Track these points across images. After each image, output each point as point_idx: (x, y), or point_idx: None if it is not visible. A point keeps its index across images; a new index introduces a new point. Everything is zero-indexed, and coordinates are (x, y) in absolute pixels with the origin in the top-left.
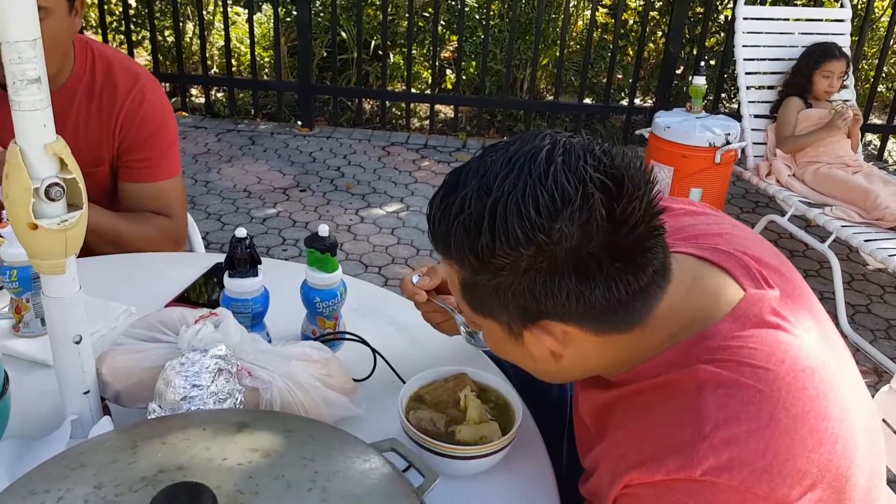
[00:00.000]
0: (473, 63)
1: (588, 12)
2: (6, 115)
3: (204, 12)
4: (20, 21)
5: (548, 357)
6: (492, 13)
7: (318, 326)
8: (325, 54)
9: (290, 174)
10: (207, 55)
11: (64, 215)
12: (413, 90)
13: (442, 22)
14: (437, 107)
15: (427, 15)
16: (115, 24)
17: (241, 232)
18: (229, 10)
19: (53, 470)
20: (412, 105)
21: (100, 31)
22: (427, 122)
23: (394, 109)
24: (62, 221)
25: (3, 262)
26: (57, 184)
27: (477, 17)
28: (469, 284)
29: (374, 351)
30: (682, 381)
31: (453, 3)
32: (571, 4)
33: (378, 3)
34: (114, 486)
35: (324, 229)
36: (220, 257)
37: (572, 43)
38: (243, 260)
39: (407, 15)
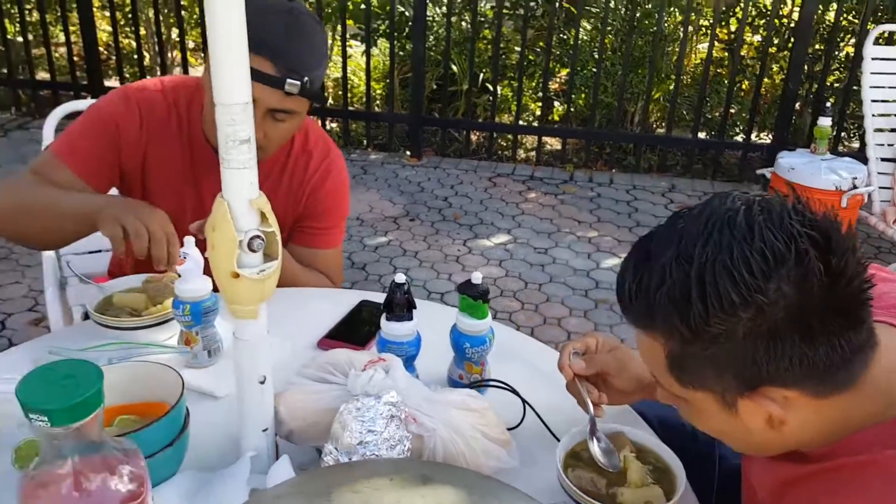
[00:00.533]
0: (583, 95)
1: (703, 46)
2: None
3: None
4: (235, 86)
5: (762, 427)
6: (605, 46)
7: (466, 371)
8: (434, 87)
9: (400, 203)
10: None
11: (262, 266)
12: (521, 122)
13: (553, 54)
14: (544, 138)
15: (538, 49)
16: None
17: (401, 277)
18: (347, 44)
19: None
20: (519, 136)
21: None
22: (533, 153)
23: (500, 140)
24: (260, 271)
25: (178, 297)
26: (258, 236)
27: (588, 49)
28: (678, 357)
29: (524, 402)
30: (888, 463)
31: (564, 36)
32: (687, 38)
33: (490, 37)
34: None
35: (476, 277)
36: (363, 294)
37: (686, 77)
38: (401, 304)
39: (518, 49)
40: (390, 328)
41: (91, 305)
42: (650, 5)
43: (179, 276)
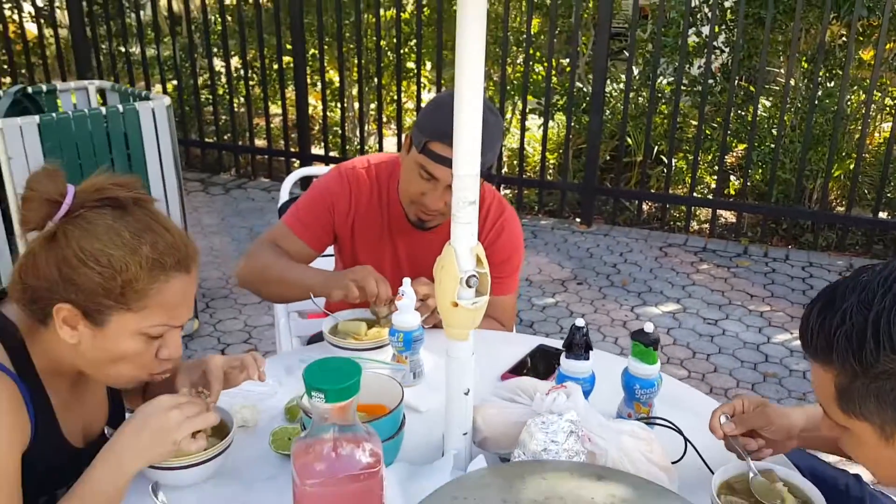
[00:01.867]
0: (760, 171)
1: (886, 125)
2: (417, 245)
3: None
4: (466, 163)
5: None
6: (784, 123)
7: (634, 410)
8: (607, 157)
9: (569, 267)
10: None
11: (475, 299)
12: (695, 194)
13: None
14: (718, 211)
15: (715, 125)
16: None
17: (580, 322)
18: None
19: (464, 486)
20: (693, 208)
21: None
22: (706, 225)
23: (672, 211)
24: (473, 303)
25: (394, 327)
26: (474, 275)
27: (766, 126)
28: (845, 389)
29: (685, 439)
30: None
31: (742, 112)
32: (869, 117)
33: (666, 111)
34: (514, 502)
35: (649, 326)
36: (539, 340)
37: (867, 156)
38: (580, 345)
39: (694, 123)
40: (569, 365)
41: (326, 330)
42: (832, 84)
43: (397, 309)
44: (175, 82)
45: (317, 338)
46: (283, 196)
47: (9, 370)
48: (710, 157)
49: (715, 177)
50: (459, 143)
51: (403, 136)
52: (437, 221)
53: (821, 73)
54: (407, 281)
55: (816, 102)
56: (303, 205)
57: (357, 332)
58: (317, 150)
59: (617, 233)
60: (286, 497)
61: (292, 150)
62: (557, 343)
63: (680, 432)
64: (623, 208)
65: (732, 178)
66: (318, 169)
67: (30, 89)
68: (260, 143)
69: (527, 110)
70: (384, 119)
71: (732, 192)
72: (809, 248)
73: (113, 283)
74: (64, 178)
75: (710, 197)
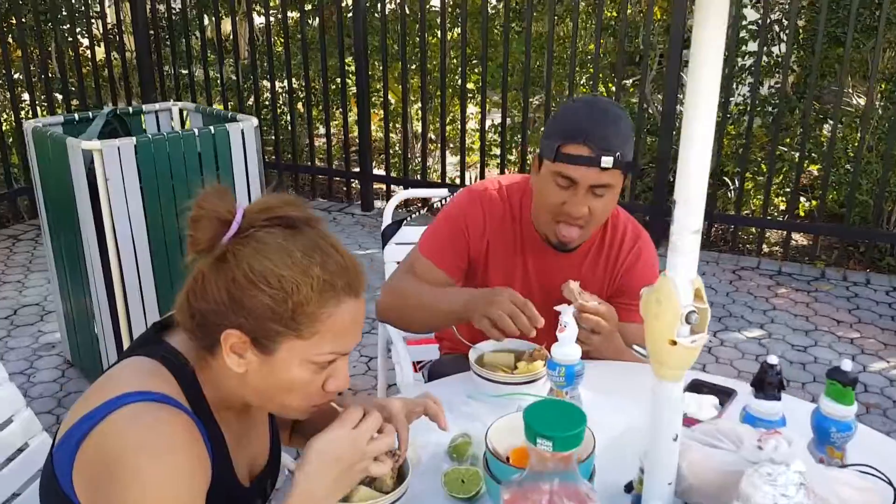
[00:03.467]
0: (834, 193)
1: None
2: (549, 267)
3: None
4: (695, 185)
5: None
6: (862, 144)
7: (827, 455)
8: (670, 179)
9: None
10: None
11: (693, 337)
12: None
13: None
14: (792, 234)
15: (784, 147)
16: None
17: (773, 359)
18: None
19: None
20: (764, 231)
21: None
22: (777, 247)
23: (742, 234)
24: (693, 341)
25: (553, 360)
26: (693, 311)
27: (841, 146)
28: None
29: (895, 488)
30: None
31: (815, 133)
32: None
33: (733, 132)
34: None
35: (847, 364)
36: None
37: None
38: (773, 384)
39: (762, 143)
40: (760, 406)
41: (473, 360)
42: None
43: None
44: (234, 103)
45: (431, 367)
46: (387, 219)
47: (186, 408)
48: (779, 178)
49: (784, 198)
50: (687, 166)
51: (466, 156)
52: (579, 241)
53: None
54: (568, 310)
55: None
56: (437, 232)
57: (507, 365)
58: (379, 170)
59: None
60: None
61: (353, 170)
62: (709, 376)
63: (890, 483)
64: None
65: (803, 199)
66: (419, 192)
67: (118, 111)
68: (319, 163)
69: None
70: (446, 138)
71: (802, 214)
72: (891, 271)
73: (284, 305)
74: (233, 198)
75: (780, 219)
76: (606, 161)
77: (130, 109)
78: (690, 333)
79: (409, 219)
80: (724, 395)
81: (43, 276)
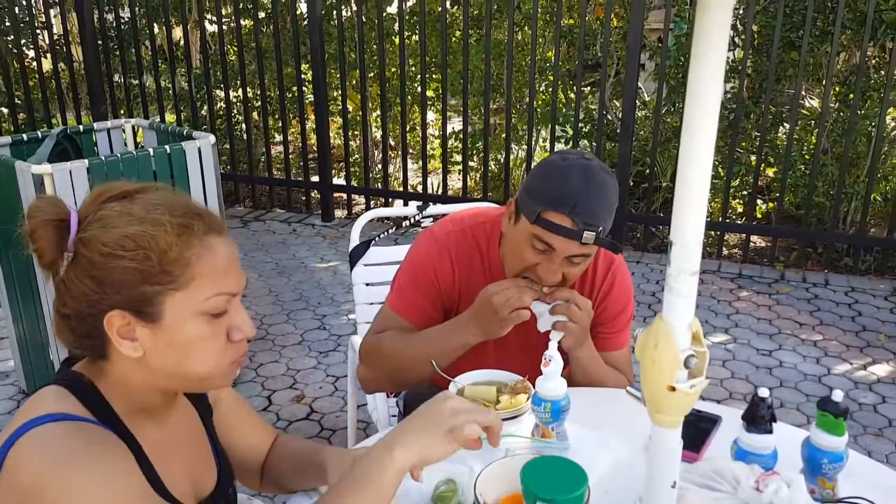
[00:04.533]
0: (791, 195)
1: None
2: None
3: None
4: (691, 229)
5: None
6: (819, 146)
7: (818, 486)
8: (631, 183)
9: None
10: None
11: (692, 381)
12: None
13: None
14: (749, 236)
15: (741, 150)
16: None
17: (764, 392)
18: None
19: None
20: (723, 234)
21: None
22: (736, 250)
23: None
24: (691, 386)
25: (539, 395)
26: (692, 355)
27: (797, 149)
28: None
29: None
30: None
31: (770, 136)
32: None
33: None
34: None
35: (838, 395)
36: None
37: None
38: (764, 418)
39: (721, 147)
40: (751, 440)
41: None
42: (867, 105)
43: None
44: (187, 113)
45: (406, 396)
46: (354, 240)
47: (92, 420)
48: (736, 182)
49: (742, 201)
50: (684, 207)
51: (428, 163)
52: None
53: (850, 96)
54: (553, 345)
55: (854, 124)
56: (405, 286)
57: (489, 400)
58: (338, 179)
59: (648, 259)
60: None
61: (313, 179)
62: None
63: None
64: (652, 235)
65: (760, 202)
66: (384, 211)
67: (68, 131)
68: (276, 174)
69: (554, 137)
70: (407, 146)
71: (760, 216)
72: (848, 272)
73: (149, 262)
74: (63, 203)
75: (739, 222)
76: (588, 237)
77: (81, 128)
78: (689, 378)
79: (376, 239)
80: (710, 422)
81: None
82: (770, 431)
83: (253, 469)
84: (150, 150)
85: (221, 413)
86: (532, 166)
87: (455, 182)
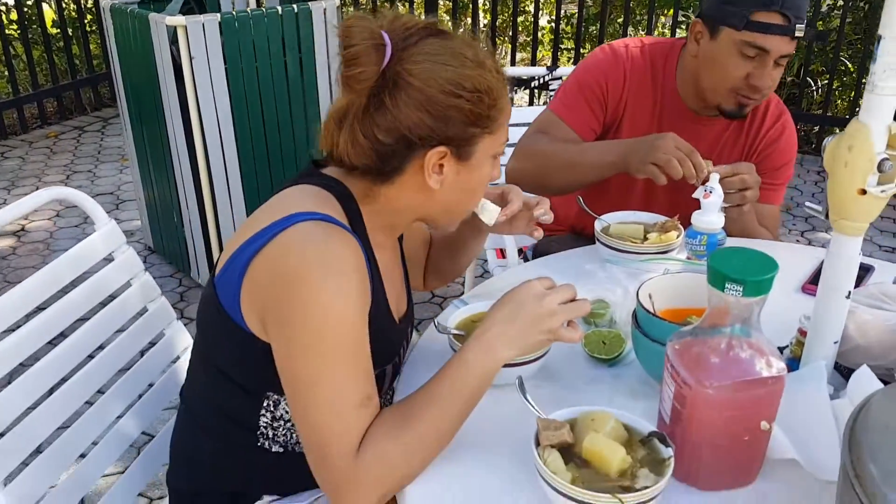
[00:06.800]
0: None
1: None
2: (688, 135)
3: None
4: None
5: None
6: None
7: None
8: None
9: None
10: None
11: (882, 186)
12: None
13: None
14: None
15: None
16: None
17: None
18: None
19: None
20: None
21: None
22: None
23: (825, 135)
24: (882, 191)
25: (695, 228)
26: (887, 159)
27: None
28: None
29: None
30: None
31: None
32: None
33: (822, 28)
34: None
35: None
36: (821, 252)
37: None
38: None
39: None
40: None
41: (599, 229)
42: None
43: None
44: None
45: (536, 248)
46: None
47: (351, 231)
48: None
49: None
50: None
51: (537, 52)
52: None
53: None
54: (715, 177)
55: None
56: (571, 91)
57: (635, 237)
58: None
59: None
60: (615, 402)
61: None
62: None
63: None
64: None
65: None
66: (517, 70)
67: None
68: None
69: (677, 22)
70: (517, 31)
71: None
72: None
73: (481, 105)
74: (375, 23)
75: None
76: (801, 30)
77: None
78: (879, 183)
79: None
80: (862, 270)
81: (114, 167)
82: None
83: (416, 274)
84: (279, 9)
85: None
86: None
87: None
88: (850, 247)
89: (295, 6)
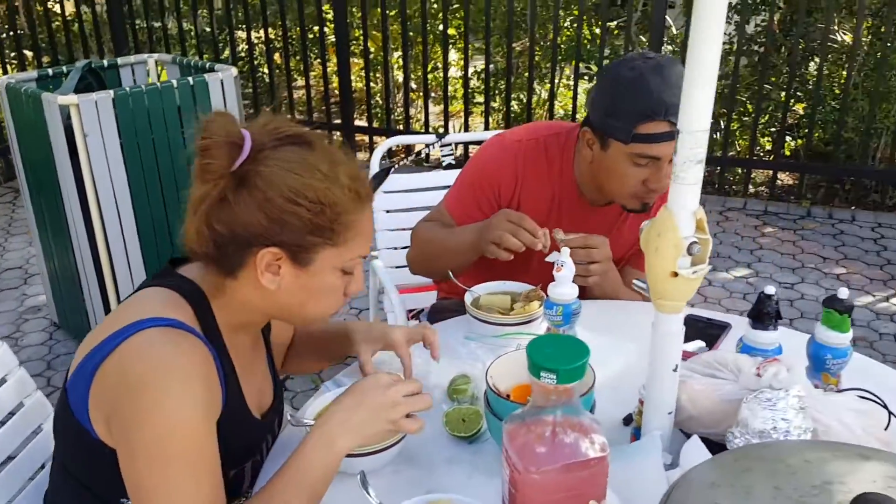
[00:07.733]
0: (819, 131)
1: None
2: (584, 223)
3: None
4: (699, 116)
5: None
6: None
7: (822, 381)
8: None
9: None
10: None
11: (694, 268)
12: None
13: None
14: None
15: (769, 85)
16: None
17: (770, 289)
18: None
19: (721, 470)
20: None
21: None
22: (762, 188)
23: (727, 175)
24: (694, 272)
25: (551, 299)
26: (696, 242)
27: (827, 84)
28: None
29: (889, 412)
30: None
31: (802, 71)
32: None
33: (719, 73)
34: (792, 489)
35: (843, 292)
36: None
37: None
38: (770, 314)
39: (749, 84)
40: (756, 336)
41: (469, 303)
42: None
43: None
44: (210, 55)
45: (430, 312)
46: (374, 169)
47: (200, 335)
48: (765, 119)
49: (770, 138)
50: (691, 96)
51: (450, 105)
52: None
53: (882, 29)
54: (566, 250)
55: (886, 58)
56: (464, 184)
57: (503, 307)
58: (359, 121)
59: None
60: (473, 480)
61: (335, 121)
62: (700, 311)
63: (885, 406)
64: None
65: (789, 138)
66: (403, 139)
67: (93, 65)
68: (298, 115)
69: (579, 75)
70: (429, 87)
71: (789, 154)
72: (875, 208)
73: (322, 217)
74: (237, 122)
75: (766, 159)
76: None
77: (105, 63)
78: (692, 265)
79: (395, 167)
80: (719, 328)
81: (24, 239)
82: (775, 328)
83: (278, 355)
84: (174, 82)
85: None
86: (597, 83)
87: (477, 123)
88: (672, 324)
89: (191, 79)
